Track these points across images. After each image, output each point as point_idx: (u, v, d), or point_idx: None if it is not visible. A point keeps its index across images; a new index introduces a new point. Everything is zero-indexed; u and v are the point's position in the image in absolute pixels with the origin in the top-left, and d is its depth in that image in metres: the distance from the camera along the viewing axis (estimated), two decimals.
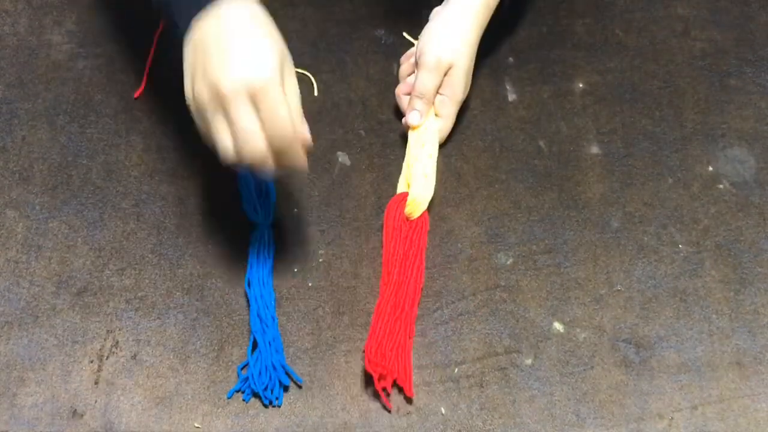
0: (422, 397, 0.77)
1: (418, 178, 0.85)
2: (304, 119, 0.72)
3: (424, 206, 0.85)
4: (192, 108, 0.70)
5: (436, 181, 0.86)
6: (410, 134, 0.89)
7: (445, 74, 0.88)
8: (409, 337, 0.79)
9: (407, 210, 0.85)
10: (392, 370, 0.76)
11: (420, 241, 0.84)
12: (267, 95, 0.66)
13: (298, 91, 0.71)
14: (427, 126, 0.88)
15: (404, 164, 0.88)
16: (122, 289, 0.83)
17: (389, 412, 0.76)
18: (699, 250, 0.85)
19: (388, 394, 0.76)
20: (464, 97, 0.90)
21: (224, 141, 0.68)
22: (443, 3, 0.92)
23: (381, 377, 0.76)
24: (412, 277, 0.82)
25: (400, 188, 0.87)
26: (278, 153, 0.69)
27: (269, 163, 0.69)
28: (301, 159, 0.70)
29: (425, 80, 0.88)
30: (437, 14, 0.91)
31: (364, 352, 0.78)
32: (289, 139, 0.68)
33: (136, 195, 0.88)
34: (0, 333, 0.80)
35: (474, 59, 0.90)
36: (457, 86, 0.88)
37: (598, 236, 0.86)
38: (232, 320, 0.81)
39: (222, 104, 0.67)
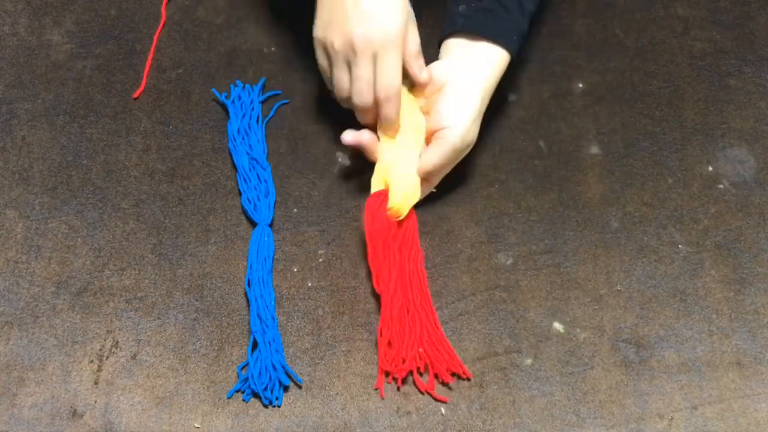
0: (422, 397, 0.77)
1: (403, 178, 0.83)
2: (423, 65, 0.83)
3: (410, 205, 0.83)
4: (319, 48, 0.82)
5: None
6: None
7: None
8: (437, 326, 0.80)
9: (394, 212, 0.82)
10: (438, 362, 0.78)
11: (412, 233, 0.83)
12: (387, 54, 0.78)
13: (418, 40, 0.82)
14: (414, 122, 0.85)
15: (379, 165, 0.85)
16: (122, 289, 0.83)
17: (444, 402, 0.77)
18: (699, 250, 0.85)
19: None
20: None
21: (343, 83, 0.81)
22: (455, 62, 0.85)
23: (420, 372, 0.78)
24: (415, 270, 0.81)
25: (375, 187, 0.84)
26: (379, 103, 0.81)
27: (370, 114, 0.82)
28: (393, 114, 0.81)
29: (437, 159, 0.82)
30: (454, 85, 0.84)
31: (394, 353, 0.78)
32: (391, 96, 0.80)
33: (136, 195, 0.88)
34: (0, 333, 0.80)
35: None
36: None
37: (598, 236, 0.86)
38: (232, 320, 0.81)
39: (349, 53, 0.79)
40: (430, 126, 0.83)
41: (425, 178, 0.83)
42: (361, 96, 0.80)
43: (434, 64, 0.85)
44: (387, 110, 0.81)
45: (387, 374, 0.78)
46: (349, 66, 0.80)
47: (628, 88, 0.95)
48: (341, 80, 0.82)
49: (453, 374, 0.78)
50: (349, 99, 0.82)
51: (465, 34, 0.86)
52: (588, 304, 0.82)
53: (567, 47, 0.98)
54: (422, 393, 0.77)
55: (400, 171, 0.82)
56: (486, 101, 0.85)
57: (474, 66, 0.84)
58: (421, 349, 0.78)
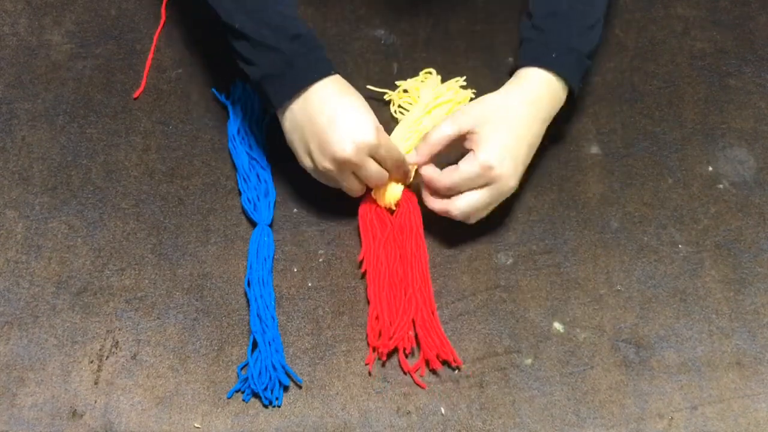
0: (422, 397, 0.77)
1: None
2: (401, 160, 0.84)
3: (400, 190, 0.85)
4: (315, 175, 0.83)
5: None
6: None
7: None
8: (433, 312, 0.80)
9: (386, 201, 0.84)
10: (429, 347, 0.79)
11: (415, 219, 0.84)
12: (381, 146, 0.80)
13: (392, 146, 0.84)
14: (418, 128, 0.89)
15: None
16: (122, 289, 0.83)
17: (423, 388, 0.78)
18: (699, 250, 0.85)
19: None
20: None
21: (355, 187, 0.83)
22: (510, 97, 0.83)
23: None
24: (418, 255, 0.83)
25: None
26: (396, 179, 0.84)
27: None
28: (409, 175, 0.85)
29: (473, 181, 0.80)
30: (505, 120, 0.81)
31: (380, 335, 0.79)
32: (404, 168, 0.83)
33: (136, 195, 0.88)
34: (0, 333, 0.80)
35: None
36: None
37: (598, 236, 0.86)
38: (232, 320, 0.81)
39: (349, 167, 0.80)
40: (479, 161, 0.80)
41: (464, 217, 0.82)
42: (378, 184, 0.83)
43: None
44: (404, 178, 0.84)
45: (375, 350, 0.79)
46: (358, 175, 0.82)
47: (628, 88, 0.95)
48: (353, 187, 0.83)
49: (455, 369, 0.78)
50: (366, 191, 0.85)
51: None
52: (588, 304, 0.82)
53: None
54: (405, 373, 0.78)
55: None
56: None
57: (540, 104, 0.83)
58: (411, 332, 0.79)
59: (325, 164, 0.80)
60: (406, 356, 0.79)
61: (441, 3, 1.01)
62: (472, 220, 0.82)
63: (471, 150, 0.80)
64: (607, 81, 0.96)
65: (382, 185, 0.83)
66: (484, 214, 0.82)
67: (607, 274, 0.84)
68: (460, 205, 0.81)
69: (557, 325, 0.81)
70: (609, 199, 0.88)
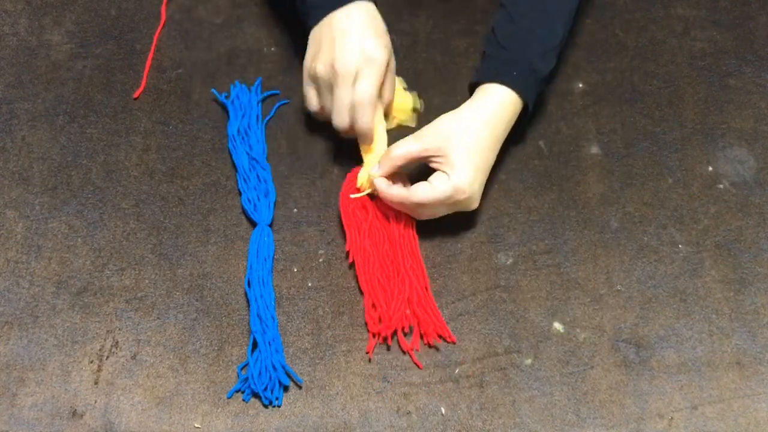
0: (422, 397, 0.77)
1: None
2: (381, 116, 0.87)
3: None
4: (307, 77, 0.87)
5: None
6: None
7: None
8: (426, 289, 0.82)
9: (360, 183, 0.86)
10: (425, 323, 0.80)
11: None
12: (366, 73, 0.83)
13: (393, 87, 0.88)
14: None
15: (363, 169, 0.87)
16: (122, 289, 0.83)
17: (420, 368, 0.78)
18: (699, 250, 0.85)
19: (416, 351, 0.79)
20: None
21: (326, 106, 0.86)
22: (469, 116, 0.83)
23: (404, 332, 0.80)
24: (407, 236, 0.84)
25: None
26: (354, 123, 0.85)
27: (348, 132, 0.86)
28: (366, 124, 0.84)
29: (442, 202, 0.82)
30: (474, 141, 0.82)
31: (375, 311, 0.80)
32: (364, 104, 0.83)
33: (136, 195, 0.88)
34: (0, 333, 0.80)
35: None
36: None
37: (598, 236, 0.86)
38: (232, 320, 0.81)
39: (332, 78, 0.84)
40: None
41: (411, 208, 0.83)
42: (338, 117, 0.84)
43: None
44: (360, 119, 0.83)
45: (375, 336, 0.80)
46: (332, 91, 0.85)
47: (628, 88, 0.95)
48: (325, 104, 0.87)
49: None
50: (329, 119, 0.86)
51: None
52: (588, 304, 0.82)
53: (567, 47, 0.98)
54: (404, 353, 0.79)
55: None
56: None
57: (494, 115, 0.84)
58: (408, 311, 0.80)
59: (320, 64, 0.84)
60: (405, 335, 0.80)
61: (441, 3, 1.01)
62: (422, 217, 0.85)
63: (442, 171, 0.81)
64: (607, 81, 0.96)
65: (342, 126, 0.85)
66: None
67: (607, 274, 0.84)
68: (422, 214, 0.83)
69: (557, 325, 0.81)
70: (609, 199, 0.88)
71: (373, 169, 0.84)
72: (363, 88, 0.83)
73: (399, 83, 0.91)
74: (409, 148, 0.82)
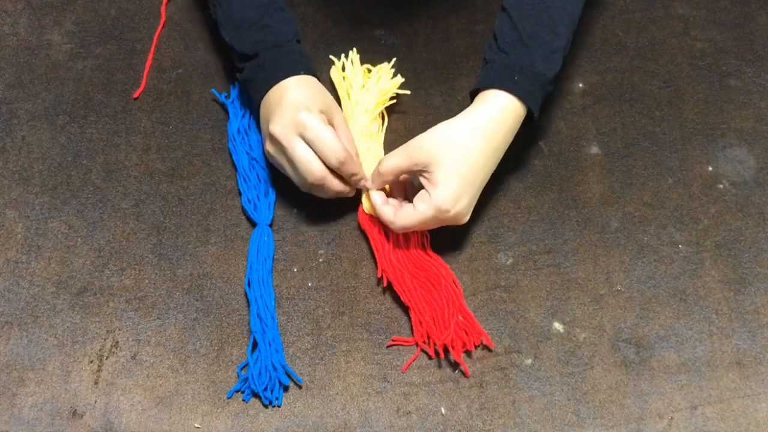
0: (422, 397, 0.77)
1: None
2: (357, 162, 0.83)
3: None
4: (268, 158, 0.85)
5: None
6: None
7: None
8: (461, 296, 0.82)
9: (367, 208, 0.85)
10: (470, 331, 0.80)
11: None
12: (308, 127, 0.80)
13: (350, 134, 0.85)
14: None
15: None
16: (122, 289, 0.83)
17: (467, 377, 0.78)
18: (699, 250, 0.85)
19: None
20: None
21: (293, 175, 0.83)
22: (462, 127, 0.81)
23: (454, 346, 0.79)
24: (425, 243, 0.84)
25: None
26: (338, 168, 0.81)
27: (331, 183, 0.82)
28: (359, 170, 0.83)
29: (427, 223, 0.80)
30: (463, 156, 0.79)
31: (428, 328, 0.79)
32: (341, 153, 0.80)
33: (136, 195, 0.88)
34: (0, 333, 0.80)
35: None
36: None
37: (598, 236, 0.86)
38: (232, 320, 0.81)
39: (280, 147, 0.81)
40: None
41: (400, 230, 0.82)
42: (309, 170, 0.80)
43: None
44: (350, 170, 0.82)
45: (421, 344, 0.79)
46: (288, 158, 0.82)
47: (628, 88, 0.95)
48: (292, 174, 0.83)
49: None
50: (306, 184, 0.82)
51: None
52: (588, 304, 0.82)
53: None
54: (456, 364, 0.78)
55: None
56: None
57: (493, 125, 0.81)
58: (460, 317, 0.80)
59: (267, 143, 0.83)
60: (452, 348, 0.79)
61: (441, 3, 1.01)
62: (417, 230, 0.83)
63: (425, 190, 0.79)
64: (607, 81, 0.96)
65: (313, 172, 0.80)
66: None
67: (607, 274, 0.84)
68: (414, 230, 0.82)
69: (557, 325, 0.81)
70: (609, 199, 0.88)
71: (367, 183, 0.83)
72: (326, 145, 0.80)
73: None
74: (396, 163, 0.80)
